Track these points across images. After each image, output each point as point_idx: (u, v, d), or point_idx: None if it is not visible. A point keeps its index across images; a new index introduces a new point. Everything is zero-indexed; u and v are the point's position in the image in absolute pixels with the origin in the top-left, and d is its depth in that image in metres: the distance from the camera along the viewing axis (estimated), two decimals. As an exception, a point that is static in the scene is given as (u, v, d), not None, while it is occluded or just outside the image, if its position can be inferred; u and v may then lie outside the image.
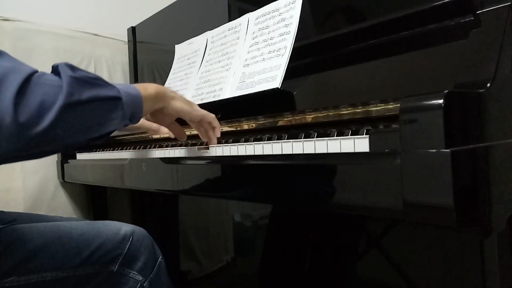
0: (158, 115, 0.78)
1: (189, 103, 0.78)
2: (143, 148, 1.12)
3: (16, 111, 0.50)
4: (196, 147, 0.85)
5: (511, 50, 0.57)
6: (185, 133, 0.87)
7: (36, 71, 0.56)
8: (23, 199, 1.41)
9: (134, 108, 0.65)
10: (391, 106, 0.62)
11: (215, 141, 0.82)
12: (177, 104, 0.75)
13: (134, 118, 0.66)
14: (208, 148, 0.81)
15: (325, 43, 0.88)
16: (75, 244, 0.75)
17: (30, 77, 0.53)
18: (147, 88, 0.70)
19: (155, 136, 1.17)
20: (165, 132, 0.93)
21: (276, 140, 0.69)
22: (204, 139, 0.85)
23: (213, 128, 0.82)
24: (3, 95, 0.50)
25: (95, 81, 0.60)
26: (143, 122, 1.01)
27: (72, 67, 0.60)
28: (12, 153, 0.53)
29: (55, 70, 0.59)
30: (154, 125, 0.94)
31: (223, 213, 1.46)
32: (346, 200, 0.55)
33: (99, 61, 1.67)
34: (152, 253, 0.84)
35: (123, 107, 0.62)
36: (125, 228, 0.82)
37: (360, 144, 0.55)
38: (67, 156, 1.46)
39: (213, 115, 0.82)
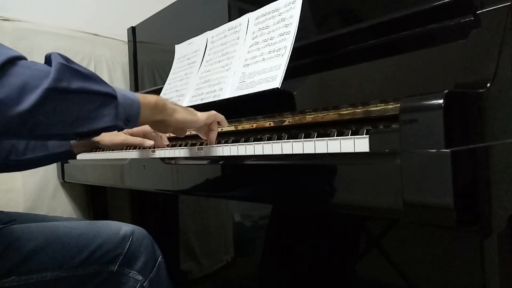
0: (160, 127, 0.76)
1: (191, 112, 0.76)
2: (143, 148, 1.12)
3: None
4: (196, 147, 0.85)
5: (511, 50, 0.57)
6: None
7: (25, 58, 0.54)
8: (23, 199, 1.41)
9: (130, 111, 0.63)
10: (391, 106, 0.62)
11: (214, 142, 0.82)
12: (180, 116, 0.73)
13: (130, 122, 0.64)
14: (207, 148, 0.81)
15: (325, 43, 0.88)
16: (75, 244, 0.75)
17: (15, 60, 0.52)
18: (146, 97, 0.68)
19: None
20: (150, 144, 0.94)
21: (276, 140, 0.69)
22: (204, 139, 0.85)
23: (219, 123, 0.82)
24: None
25: (89, 75, 0.58)
26: (126, 138, 1.02)
27: (67, 58, 0.57)
28: None
29: (47, 59, 0.57)
30: (138, 140, 0.94)
31: (223, 213, 1.46)
32: (346, 200, 0.55)
33: (99, 61, 1.67)
34: (152, 253, 0.84)
35: (117, 106, 0.60)
36: (125, 228, 0.82)
37: (360, 144, 0.55)
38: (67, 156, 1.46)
39: (214, 113, 0.80)
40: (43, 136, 0.57)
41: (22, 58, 0.53)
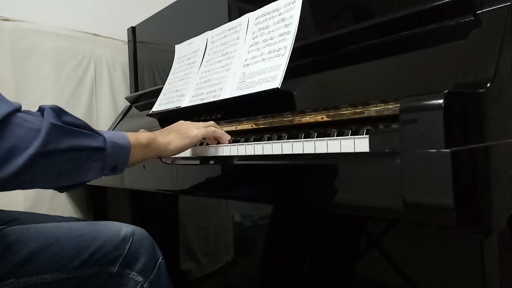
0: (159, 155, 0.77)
1: (184, 135, 0.76)
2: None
3: None
4: (196, 147, 0.85)
5: (511, 50, 0.57)
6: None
7: (18, 109, 0.53)
8: (23, 199, 1.41)
9: (118, 159, 0.62)
10: (391, 106, 0.62)
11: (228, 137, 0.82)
12: (174, 147, 0.74)
13: (117, 169, 0.64)
14: (207, 148, 0.81)
15: (325, 43, 0.88)
16: (75, 245, 0.75)
17: (9, 117, 0.51)
18: (138, 138, 0.68)
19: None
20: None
21: (276, 140, 0.69)
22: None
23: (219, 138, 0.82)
24: None
25: (80, 130, 0.57)
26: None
27: (59, 112, 0.57)
28: None
29: (41, 112, 0.56)
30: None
31: (223, 213, 1.46)
32: (346, 200, 0.55)
33: (99, 61, 1.67)
34: (153, 253, 0.83)
35: (104, 157, 0.60)
36: (125, 228, 0.81)
37: (360, 144, 0.55)
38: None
39: (212, 130, 0.80)
40: (24, 189, 0.56)
41: (16, 111, 0.52)
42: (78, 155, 0.57)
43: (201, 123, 0.83)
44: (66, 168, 0.56)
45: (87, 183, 0.62)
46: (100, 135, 0.61)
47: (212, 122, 0.85)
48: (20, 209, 1.38)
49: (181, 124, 0.80)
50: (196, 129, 0.79)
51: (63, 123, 0.56)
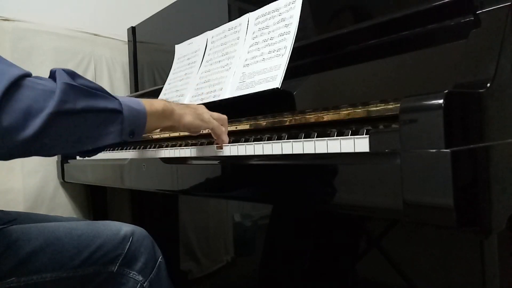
0: (168, 130, 0.76)
1: (200, 116, 0.75)
2: (143, 148, 1.12)
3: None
4: (196, 147, 0.85)
5: (511, 50, 0.57)
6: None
7: (28, 74, 0.52)
8: (23, 199, 1.41)
9: (135, 124, 0.62)
10: (391, 106, 0.62)
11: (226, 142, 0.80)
12: (188, 122, 0.73)
13: (135, 135, 0.63)
14: (207, 148, 0.81)
15: (325, 43, 0.88)
16: (75, 244, 0.75)
17: (19, 80, 0.50)
18: (153, 104, 0.66)
19: (155, 136, 1.17)
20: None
21: (276, 140, 0.69)
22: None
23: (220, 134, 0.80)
24: None
25: (95, 91, 0.57)
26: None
27: (72, 74, 0.56)
28: None
29: (52, 75, 0.56)
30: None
31: (223, 213, 1.46)
32: (346, 200, 0.55)
33: (99, 61, 1.67)
34: (152, 253, 0.83)
35: (122, 121, 0.59)
36: (125, 228, 0.82)
37: (360, 144, 0.55)
38: (67, 156, 1.46)
39: (222, 130, 0.78)
40: (46, 155, 0.56)
41: (26, 75, 0.52)
42: (95, 116, 0.56)
43: (216, 113, 0.80)
44: (85, 130, 0.55)
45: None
46: (115, 98, 0.60)
47: (225, 117, 0.82)
48: (20, 209, 1.38)
49: (199, 106, 0.78)
50: (210, 117, 0.77)
51: (77, 84, 0.55)
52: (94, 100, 0.56)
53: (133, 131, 0.62)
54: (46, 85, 0.53)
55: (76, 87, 0.54)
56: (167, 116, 0.69)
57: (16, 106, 0.49)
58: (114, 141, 0.60)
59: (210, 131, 0.80)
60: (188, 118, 0.73)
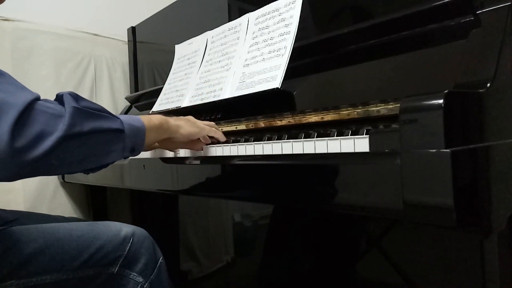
0: (166, 143, 0.80)
1: (194, 124, 0.80)
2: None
3: (13, 138, 0.50)
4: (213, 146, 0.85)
5: (511, 50, 0.57)
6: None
7: (38, 98, 0.55)
8: (23, 199, 1.41)
9: (135, 141, 0.65)
10: (391, 106, 0.62)
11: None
12: (185, 131, 0.77)
13: (135, 151, 0.66)
14: (207, 148, 0.81)
15: (325, 43, 0.88)
16: (75, 246, 0.74)
17: (32, 104, 0.53)
18: (151, 119, 0.70)
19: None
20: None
21: (276, 140, 0.69)
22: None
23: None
24: (1, 122, 0.50)
25: (99, 113, 0.60)
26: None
27: (76, 97, 0.59)
28: (3, 180, 0.53)
29: (60, 98, 0.59)
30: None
31: (223, 213, 1.46)
32: (346, 200, 0.55)
33: (99, 61, 1.67)
34: (153, 254, 0.83)
35: (124, 139, 0.63)
36: (125, 229, 0.81)
37: (360, 144, 0.55)
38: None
39: (216, 131, 0.83)
40: (52, 174, 0.59)
41: (36, 99, 0.55)
42: (100, 137, 0.60)
43: (205, 122, 0.85)
44: (91, 150, 0.59)
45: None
46: (117, 117, 0.64)
47: (214, 124, 0.86)
48: (20, 209, 1.37)
49: (189, 116, 0.83)
50: (202, 124, 0.82)
51: (82, 107, 0.58)
52: (99, 122, 0.59)
53: (134, 147, 0.66)
54: (55, 109, 0.56)
55: (83, 110, 0.57)
56: (165, 129, 0.74)
57: (29, 130, 0.52)
58: (117, 158, 0.63)
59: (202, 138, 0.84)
60: (184, 128, 0.78)
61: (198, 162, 0.82)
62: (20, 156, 0.51)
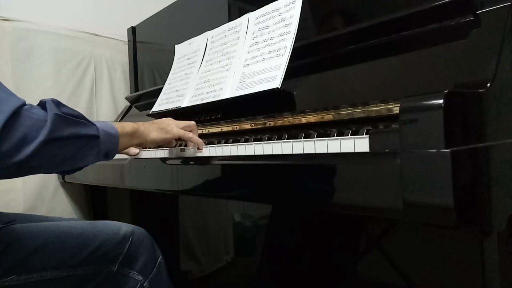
0: (138, 145, 0.86)
1: (163, 129, 0.83)
2: (142, 148, 1.12)
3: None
4: (196, 147, 0.85)
5: (511, 50, 0.57)
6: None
7: (25, 103, 0.59)
8: (23, 199, 1.41)
9: (109, 146, 0.70)
10: (391, 106, 0.62)
11: (202, 144, 0.85)
12: (154, 137, 0.81)
13: (109, 155, 0.71)
14: (207, 148, 0.81)
15: (325, 43, 0.88)
16: (75, 243, 0.75)
17: (18, 110, 0.57)
18: (124, 127, 0.75)
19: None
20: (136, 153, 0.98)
21: (276, 140, 0.69)
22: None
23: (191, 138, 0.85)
24: None
25: (77, 120, 0.64)
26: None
27: (58, 104, 0.63)
28: None
29: (43, 105, 0.62)
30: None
31: (223, 213, 1.46)
32: (346, 200, 0.55)
33: (99, 61, 1.67)
34: (152, 253, 0.84)
35: (99, 144, 0.67)
36: (125, 228, 0.82)
37: (360, 144, 0.55)
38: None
39: (189, 135, 0.84)
40: (32, 174, 0.63)
41: (23, 105, 0.58)
42: (77, 142, 0.64)
43: (183, 122, 0.86)
44: (68, 154, 0.63)
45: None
46: (94, 124, 0.68)
47: (193, 123, 0.88)
48: (20, 209, 1.38)
49: (164, 120, 0.86)
50: (176, 127, 0.84)
51: (63, 113, 0.62)
52: (77, 128, 0.64)
53: (108, 152, 0.70)
54: (39, 114, 0.60)
55: (63, 117, 0.62)
56: (136, 136, 0.78)
57: (14, 134, 0.56)
58: (92, 162, 0.68)
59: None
60: (153, 134, 0.81)
61: (198, 162, 0.82)
62: (4, 159, 0.55)
